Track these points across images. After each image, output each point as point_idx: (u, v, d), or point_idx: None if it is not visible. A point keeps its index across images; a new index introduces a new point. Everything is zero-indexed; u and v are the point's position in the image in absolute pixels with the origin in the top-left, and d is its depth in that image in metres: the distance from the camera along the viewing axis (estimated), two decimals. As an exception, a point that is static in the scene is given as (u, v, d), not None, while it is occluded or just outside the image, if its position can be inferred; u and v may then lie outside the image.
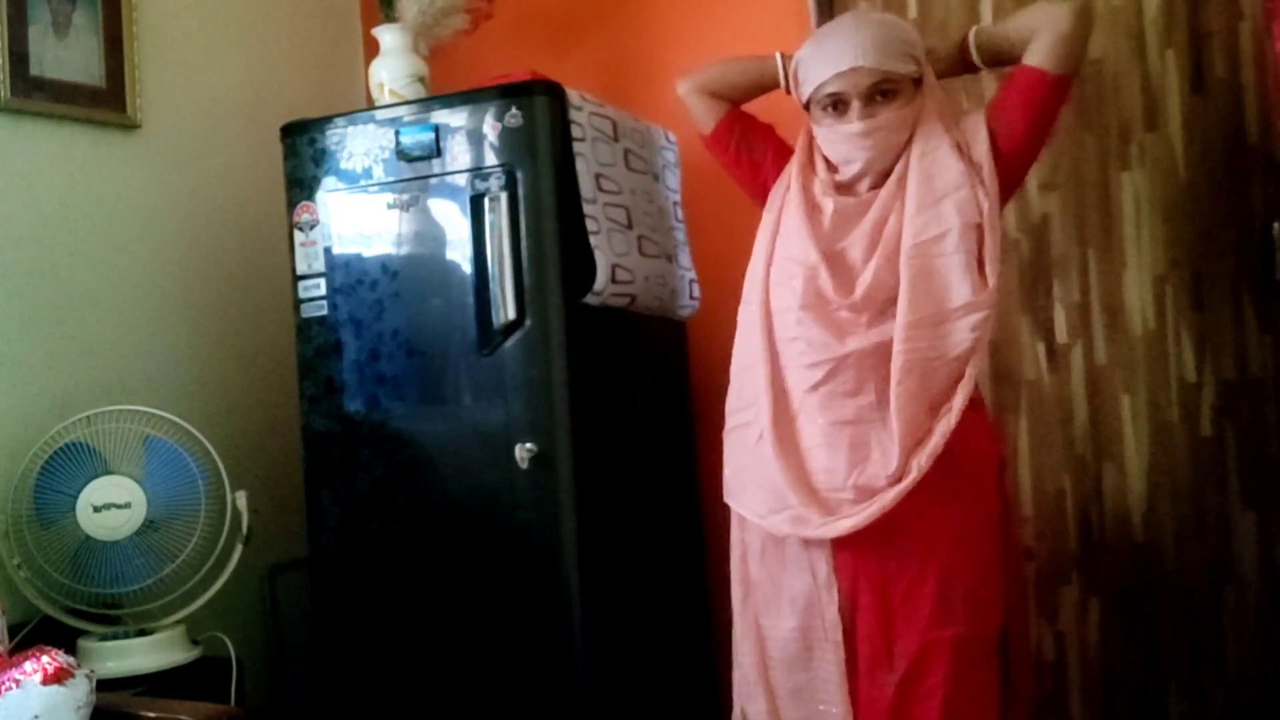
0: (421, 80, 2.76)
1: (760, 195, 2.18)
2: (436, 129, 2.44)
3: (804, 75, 2.02)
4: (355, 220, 2.53)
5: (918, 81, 2.00)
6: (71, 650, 2.18)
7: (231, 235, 2.95)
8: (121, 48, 2.70)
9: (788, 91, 2.13)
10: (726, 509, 2.12)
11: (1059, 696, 2.59)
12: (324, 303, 2.56)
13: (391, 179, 2.49)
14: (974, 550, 1.95)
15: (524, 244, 2.36)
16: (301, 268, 2.59)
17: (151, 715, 1.97)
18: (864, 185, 2.02)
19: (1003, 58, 2.05)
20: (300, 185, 2.60)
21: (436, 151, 2.44)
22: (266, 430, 2.91)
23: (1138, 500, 2.53)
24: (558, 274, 2.36)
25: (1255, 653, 2.43)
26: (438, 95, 2.63)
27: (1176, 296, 2.50)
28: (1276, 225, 2.38)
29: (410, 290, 2.48)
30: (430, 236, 2.46)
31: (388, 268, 2.50)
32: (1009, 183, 2.04)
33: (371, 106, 2.72)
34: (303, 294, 2.59)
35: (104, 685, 1.96)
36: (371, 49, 2.91)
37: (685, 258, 2.72)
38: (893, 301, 1.94)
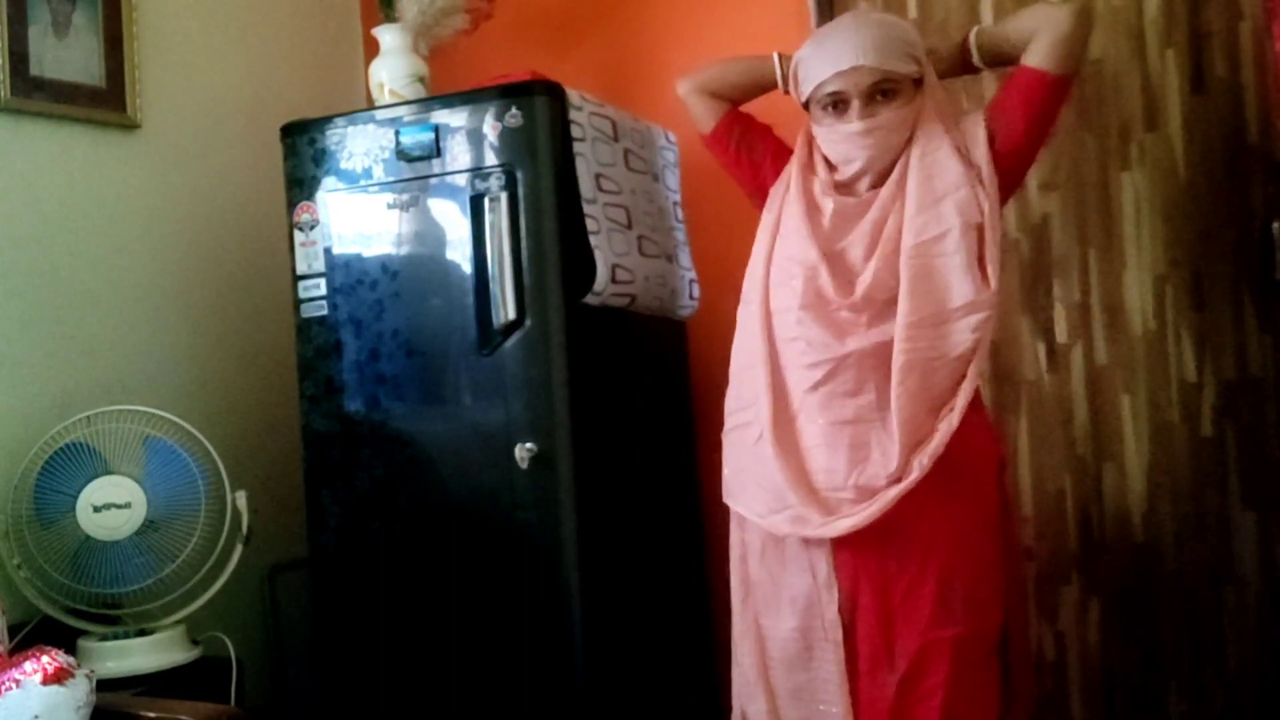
0: (421, 80, 2.76)
1: (759, 195, 2.18)
2: (436, 129, 2.44)
3: (804, 75, 2.02)
4: (355, 220, 2.53)
5: (918, 82, 2.00)
6: (71, 650, 2.18)
7: (231, 235, 2.95)
8: (121, 48, 2.70)
9: (786, 91, 2.13)
10: (727, 509, 2.12)
11: (1059, 696, 2.59)
12: (324, 303, 2.56)
13: (391, 179, 2.49)
14: (974, 550, 1.95)
15: (524, 244, 2.36)
16: (301, 268, 2.59)
17: (151, 715, 1.97)
18: (863, 185, 2.03)
19: (1003, 58, 2.05)
20: (300, 185, 2.60)
21: (436, 151, 2.44)
22: (266, 430, 2.91)
23: (1138, 500, 2.53)
24: (558, 274, 2.36)
25: (1255, 653, 2.43)
26: (438, 95, 2.63)
27: (1176, 296, 2.50)
28: (1276, 225, 2.38)
29: (410, 290, 2.48)
30: (430, 236, 2.46)
31: (388, 268, 2.50)
32: (1009, 182, 2.04)
33: (371, 106, 2.72)
34: (303, 294, 2.59)
35: (104, 685, 1.96)
36: (371, 49, 2.91)
37: (685, 258, 2.72)
38: (893, 301, 1.94)
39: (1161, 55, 2.50)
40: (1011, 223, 2.61)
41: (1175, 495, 2.50)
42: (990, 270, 1.93)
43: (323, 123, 2.58)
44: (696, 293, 2.72)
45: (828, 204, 2.03)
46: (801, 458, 1.98)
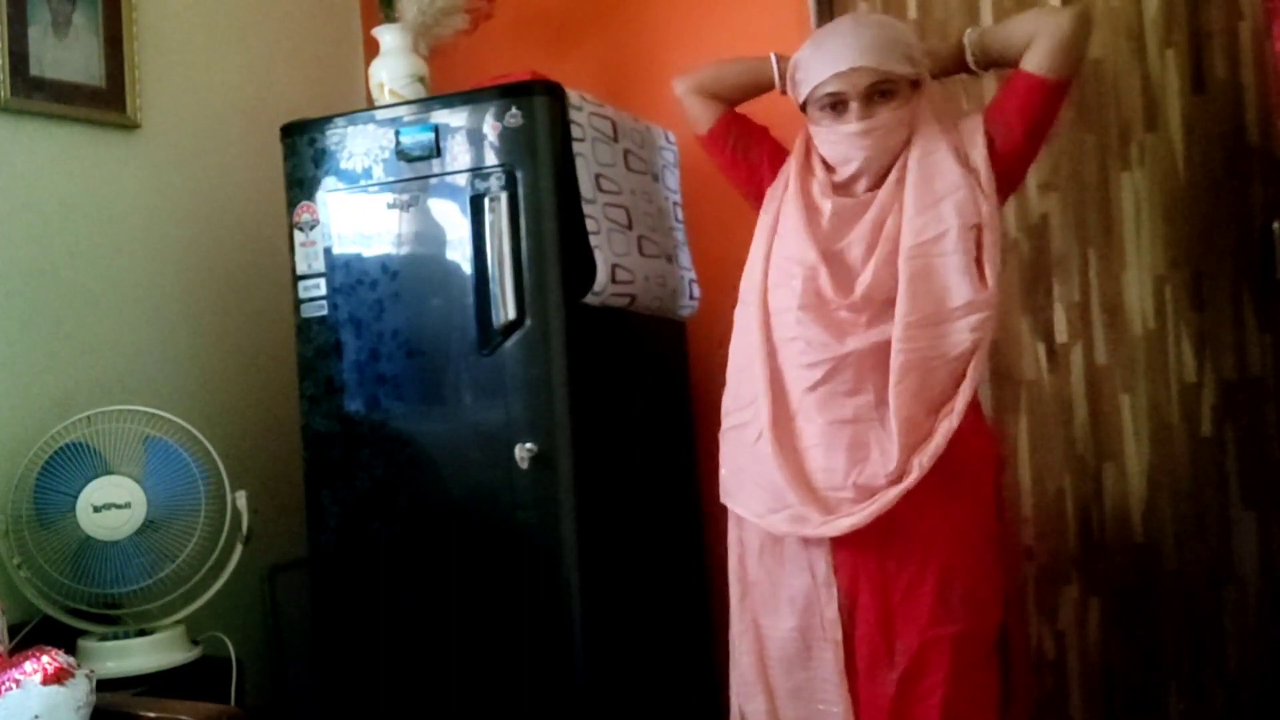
0: (421, 80, 2.76)
1: (756, 197, 2.19)
2: (436, 129, 2.44)
3: (802, 76, 2.02)
4: (355, 220, 2.53)
5: (915, 83, 2.00)
6: (71, 650, 2.18)
7: (231, 235, 2.95)
8: (121, 48, 2.70)
9: (783, 92, 2.14)
10: (726, 509, 2.13)
11: (1059, 696, 2.60)
12: (324, 303, 2.56)
13: (391, 179, 2.49)
14: (973, 549, 1.95)
15: (524, 244, 2.36)
16: (301, 268, 2.59)
17: (151, 715, 1.97)
18: (861, 186, 2.03)
19: (1000, 61, 2.06)
20: (300, 185, 2.60)
21: (436, 151, 2.44)
22: (266, 430, 2.91)
23: (1138, 500, 2.53)
24: (558, 274, 2.36)
25: (1255, 653, 2.44)
26: (438, 95, 2.63)
27: (1176, 296, 2.50)
28: (1276, 225, 2.38)
29: (410, 290, 2.48)
30: (430, 236, 2.46)
31: (388, 268, 2.50)
32: (1008, 183, 2.04)
33: (371, 106, 2.72)
34: (303, 294, 2.59)
35: (104, 685, 1.96)
36: (371, 49, 2.91)
37: (685, 258, 2.72)
38: (892, 302, 1.94)
39: (1161, 55, 2.50)
40: (1011, 223, 2.61)
41: (1175, 495, 2.50)
42: (989, 271, 1.93)
43: (323, 123, 2.58)
44: (696, 293, 2.72)
45: (826, 204, 2.03)
46: (800, 457, 1.98)
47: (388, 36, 2.78)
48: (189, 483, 2.44)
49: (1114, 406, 2.55)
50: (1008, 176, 2.03)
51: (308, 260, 2.59)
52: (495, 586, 2.40)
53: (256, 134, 2.93)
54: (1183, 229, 2.49)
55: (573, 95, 2.43)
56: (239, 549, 2.54)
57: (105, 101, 2.68)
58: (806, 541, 1.98)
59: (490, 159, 2.40)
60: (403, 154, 2.48)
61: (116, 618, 2.43)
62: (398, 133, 2.48)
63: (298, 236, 2.60)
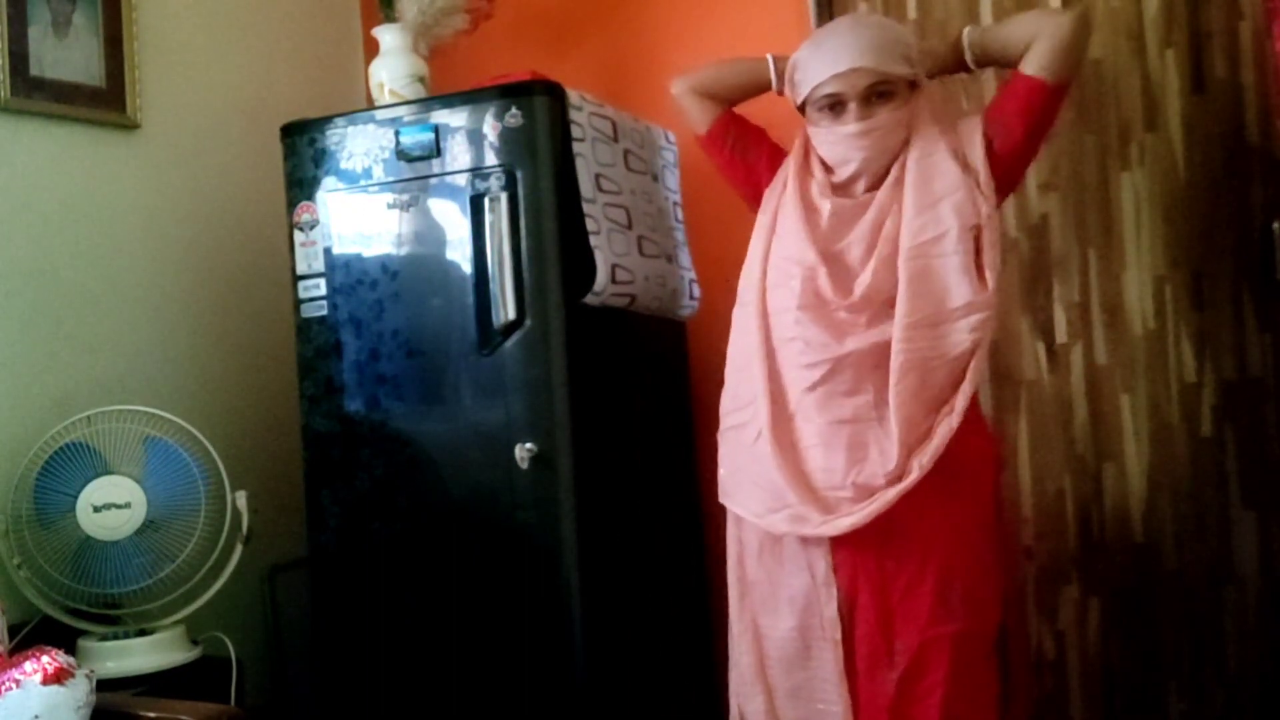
0: (421, 80, 2.76)
1: (754, 197, 2.19)
2: (436, 129, 2.44)
3: (801, 77, 2.02)
4: (355, 220, 2.53)
5: (913, 84, 2.00)
6: (71, 650, 2.18)
7: (231, 235, 2.95)
8: (121, 48, 2.70)
9: (780, 93, 2.14)
10: (726, 509, 2.13)
11: (1059, 696, 2.60)
12: (324, 303, 2.56)
13: (391, 179, 2.49)
14: (972, 548, 1.95)
15: (524, 244, 2.36)
16: (301, 268, 2.59)
17: (151, 715, 1.97)
18: (860, 186, 2.03)
19: (998, 61, 2.06)
20: (300, 185, 2.60)
21: (436, 151, 2.44)
22: (266, 430, 2.91)
23: (1138, 500, 2.53)
24: (558, 274, 2.36)
25: (1255, 653, 2.44)
26: (438, 95, 2.63)
27: (1176, 296, 2.50)
28: (1276, 225, 2.38)
29: (410, 290, 2.48)
30: (430, 236, 2.46)
31: (388, 268, 2.50)
32: (1007, 183, 2.04)
33: (371, 106, 2.72)
34: (303, 294, 2.59)
35: (104, 685, 1.96)
36: (371, 49, 2.91)
37: (685, 258, 2.72)
38: (891, 302, 1.94)
39: (1161, 55, 2.50)
40: (1011, 223, 2.61)
41: (1175, 495, 2.50)
42: (988, 272, 1.94)
43: (323, 123, 2.58)
44: (696, 293, 2.72)
45: (825, 205, 2.03)
46: (799, 457, 1.98)
47: (388, 36, 2.78)
48: (189, 483, 2.44)
49: (1114, 406, 2.55)
50: (1007, 177, 2.03)
51: (308, 260, 2.59)
52: (495, 586, 2.40)
53: (256, 134, 2.93)
54: (1183, 229, 2.49)
55: (573, 95, 2.43)
56: (239, 549, 2.54)
57: (105, 101, 2.68)
58: (806, 541, 1.98)
59: (490, 159, 2.40)
60: (403, 154, 2.48)
61: (116, 618, 2.43)
62: (398, 133, 2.48)
63: (298, 236, 2.60)
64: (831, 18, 2.63)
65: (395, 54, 2.76)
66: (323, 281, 2.57)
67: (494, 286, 2.37)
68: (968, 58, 2.06)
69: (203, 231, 2.89)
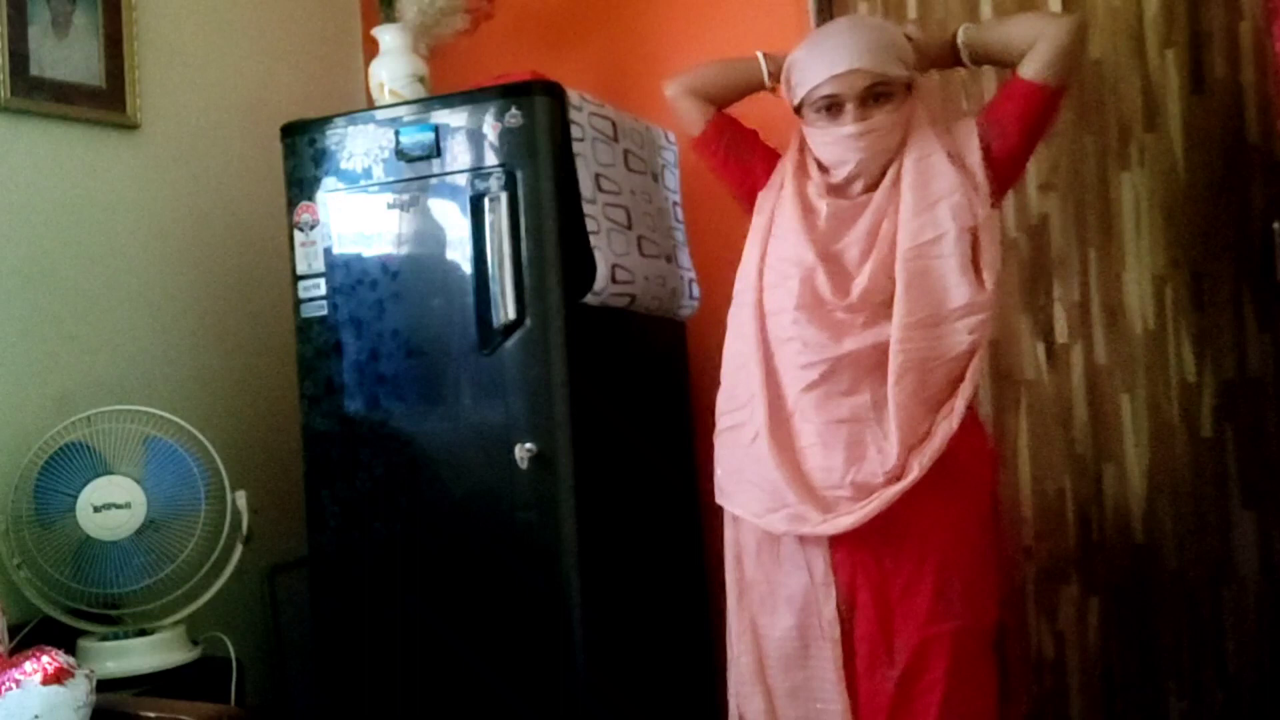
0: (421, 80, 2.76)
1: (748, 199, 2.19)
2: (436, 129, 2.44)
3: (798, 78, 2.02)
4: (355, 220, 2.53)
5: (909, 86, 2.00)
6: (71, 650, 2.18)
7: (231, 235, 2.95)
8: (121, 48, 2.70)
9: (772, 90, 2.14)
10: (724, 509, 2.13)
11: (1059, 696, 2.60)
12: (324, 303, 2.56)
13: (391, 179, 2.49)
14: (971, 546, 1.96)
15: (524, 244, 2.36)
16: (301, 268, 2.59)
17: (151, 715, 1.97)
18: (857, 188, 2.03)
19: (994, 60, 2.07)
20: (300, 185, 2.60)
21: (436, 151, 2.44)
22: (266, 430, 2.91)
23: (1138, 500, 2.53)
24: (558, 274, 2.36)
25: (1255, 653, 2.44)
26: (438, 95, 2.63)
27: (1176, 296, 2.50)
28: (1277, 225, 2.38)
29: (410, 290, 2.48)
30: (430, 236, 2.46)
31: (388, 268, 2.50)
32: (1003, 184, 2.05)
33: (371, 106, 2.72)
34: (303, 294, 2.59)
35: (104, 685, 1.96)
36: (371, 49, 2.91)
37: (685, 258, 2.72)
38: (889, 303, 1.95)
39: (1161, 55, 2.50)
40: (1011, 223, 2.61)
41: (1175, 495, 2.50)
42: (986, 273, 1.94)
43: (323, 123, 2.58)
44: (696, 293, 2.72)
45: (823, 206, 2.03)
46: (798, 456, 1.98)
47: (388, 36, 2.78)
48: (189, 483, 2.44)
49: (1114, 406, 2.55)
50: (1003, 178, 2.03)
51: (308, 260, 2.59)
52: (495, 586, 2.40)
53: (256, 134, 2.93)
54: (1183, 229, 2.49)
55: (573, 95, 2.43)
56: (239, 549, 2.54)
57: (105, 101, 2.68)
58: (804, 540, 1.99)
59: (490, 159, 2.40)
60: (403, 154, 2.48)
61: (116, 618, 2.43)
62: (398, 133, 2.48)
63: (298, 236, 2.60)
64: (831, 18, 2.63)
65: (395, 54, 2.76)
66: (323, 281, 2.57)
67: (494, 286, 2.37)
68: (963, 56, 2.06)
69: (203, 231, 2.89)
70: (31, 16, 2.53)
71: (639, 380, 2.65)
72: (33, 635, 2.26)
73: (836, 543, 1.96)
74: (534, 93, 2.39)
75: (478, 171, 2.40)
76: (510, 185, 2.37)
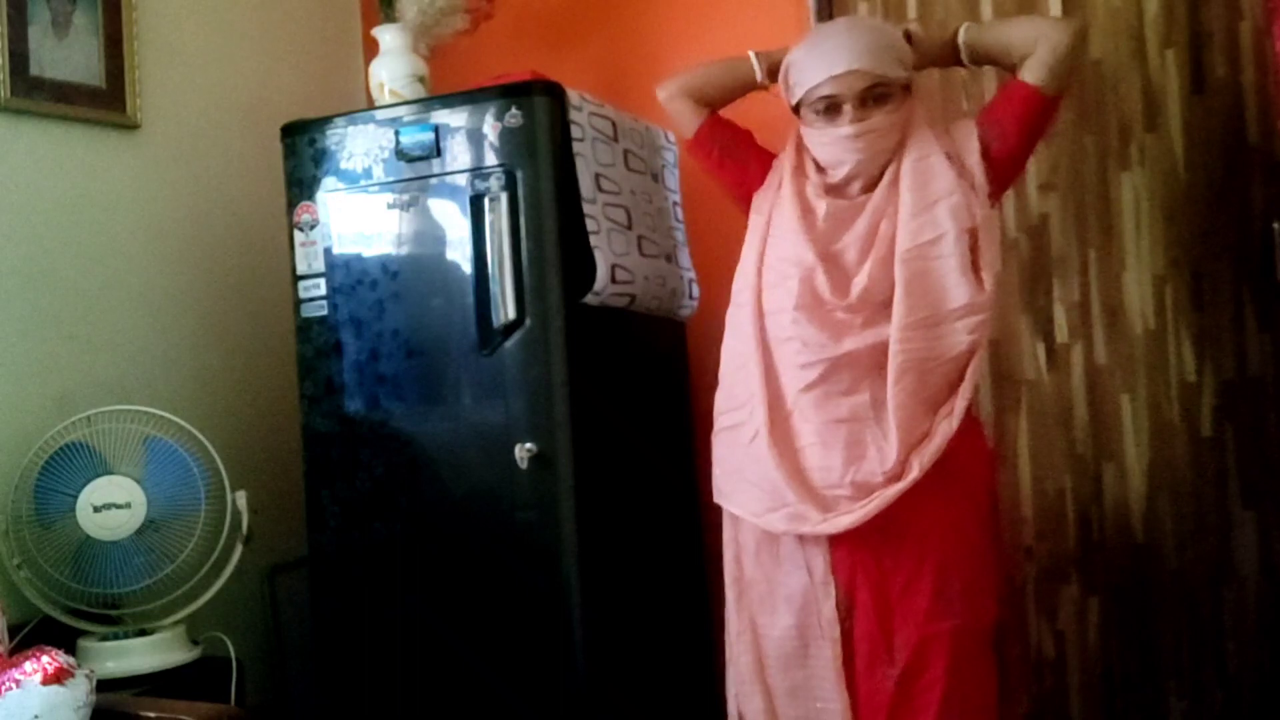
0: (421, 80, 2.76)
1: (744, 200, 2.19)
2: (436, 129, 2.44)
3: (796, 78, 2.02)
4: (355, 220, 2.53)
5: (906, 87, 2.01)
6: (71, 650, 2.18)
7: (231, 235, 2.95)
8: (121, 48, 2.70)
9: (765, 88, 2.14)
10: (723, 508, 2.13)
11: (1059, 696, 2.60)
12: (324, 303, 2.56)
13: (391, 179, 2.49)
14: (969, 543, 1.97)
15: (524, 244, 2.36)
16: (301, 268, 2.59)
17: (151, 715, 1.97)
18: (855, 188, 2.04)
19: (993, 61, 2.07)
20: (300, 185, 2.60)
21: (436, 151, 2.44)
22: (266, 430, 2.91)
23: (1138, 500, 2.53)
24: (558, 274, 2.36)
25: (1255, 653, 2.44)
26: (438, 95, 2.63)
27: (1176, 296, 2.50)
28: (1276, 225, 2.38)
29: (410, 290, 2.48)
30: (430, 236, 2.46)
31: (388, 268, 2.50)
32: (1001, 185, 2.06)
33: (371, 106, 2.72)
34: (303, 294, 2.59)
35: (104, 685, 1.96)
36: (371, 49, 2.91)
37: (685, 258, 2.72)
38: (887, 303, 1.95)
39: (1161, 55, 2.50)
40: (1011, 223, 2.61)
41: (1175, 495, 2.50)
42: (985, 274, 1.94)
43: (323, 123, 2.58)
44: (696, 293, 2.72)
45: (821, 206, 2.04)
46: (798, 455, 1.99)
47: (388, 36, 2.78)
48: (189, 483, 2.44)
49: (1114, 406, 2.55)
50: (1002, 179, 2.04)
51: (308, 260, 2.59)
52: (495, 586, 2.40)
53: (256, 134, 2.93)
54: (1183, 229, 2.49)
55: (573, 95, 2.43)
56: (239, 549, 2.54)
57: (105, 101, 2.68)
58: (803, 540, 1.99)
59: (490, 159, 2.40)
60: (403, 154, 2.48)
61: (116, 618, 2.43)
62: (398, 133, 2.48)
63: (298, 236, 2.60)
64: (831, 18, 2.63)
65: (395, 54, 2.76)
66: (323, 281, 2.57)
67: (494, 286, 2.37)
68: (963, 55, 2.06)
69: (203, 231, 2.89)
70: (31, 16, 2.53)
71: (639, 380, 2.65)
72: (33, 635, 2.26)
73: (836, 542, 1.97)
74: (534, 93, 2.39)
75: (478, 171, 2.40)
76: (510, 185, 2.37)
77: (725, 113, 2.23)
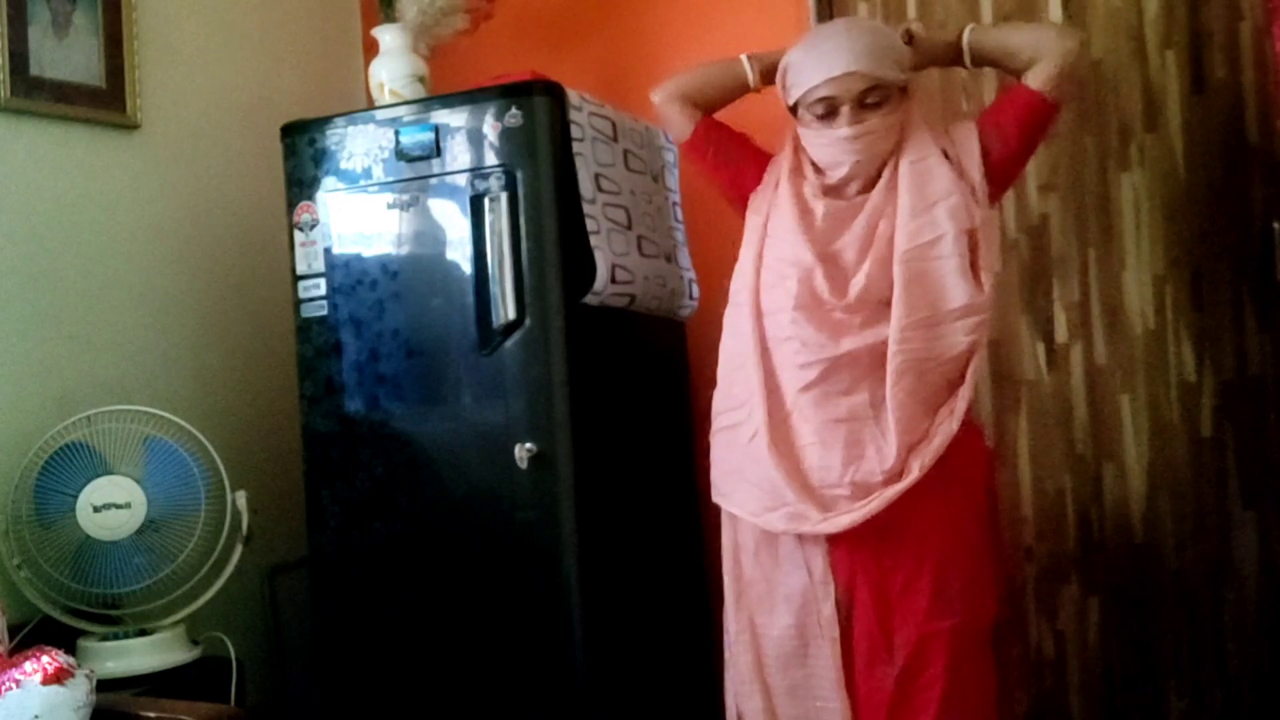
0: (421, 80, 2.76)
1: (740, 201, 2.19)
2: (436, 129, 2.44)
3: (794, 79, 2.02)
4: (355, 220, 2.53)
5: (904, 89, 2.01)
6: (71, 650, 2.18)
7: (231, 235, 2.95)
8: (121, 48, 2.70)
9: (758, 90, 2.14)
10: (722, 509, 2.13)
11: (1059, 695, 2.60)
12: (324, 303, 2.56)
13: (391, 179, 2.49)
14: (968, 543, 1.97)
15: (524, 244, 2.36)
16: (301, 268, 2.59)
17: (151, 715, 1.97)
18: (853, 189, 2.04)
19: (997, 65, 2.07)
20: (300, 185, 2.60)
21: (436, 151, 2.44)
22: (266, 430, 2.91)
23: (1138, 500, 2.53)
24: (558, 274, 2.36)
25: (1255, 653, 2.44)
26: (438, 95, 2.63)
27: (1176, 296, 2.50)
28: (1276, 225, 2.38)
29: (410, 290, 2.48)
30: (430, 236, 2.46)
31: (388, 268, 2.50)
32: (1000, 187, 2.07)
33: (371, 106, 2.72)
34: (303, 294, 2.59)
35: (104, 685, 1.96)
36: (371, 49, 2.91)
37: (684, 258, 2.72)
38: (886, 303, 1.95)
39: (1161, 56, 2.50)
40: (1011, 223, 2.61)
41: (1175, 495, 2.50)
42: (984, 275, 1.95)
43: (323, 123, 2.58)
44: (696, 293, 2.72)
45: (819, 206, 2.04)
46: (797, 455, 1.99)
47: (388, 36, 2.78)
48: (189, 483, 2.44)
49: (1114, 406, 2.55)
50: (1001, 181, 2.06)
51: (308, 260, 2.59)
52: (495, 586, 2.40)
53: (256, 134, 2.93)
54: (1183, 229, 2.49)
55: (573, 95, 2.43)
56: (239, 549, 2.54)
57: (105, 101, 2.68)
58: (802, 539, 1.99)
59: (490, 159, 2.40)
60: (403, 154, 2.48)
61: (116, 618, 2.43)
62: (398, 133, 2.48)
63: (298, 236, 2.60)
64: (831, 18, 2.63)
65: (395, 54, 2.76)
66: (323, 281, 2.57)
67: (494, 286, 2.37)
68: (966, 58, 2.06)
69: (203, 231, 2.89)
70: (31, 16, 2.53)
71: (639, 380, 2.65)
72: (33, 635, 2.26)
73: (835, 541, 1.97)
74: (534, 93, 2.39)
75: (478, 171, 2.40)
76: (510, 185, 2.37)
77: (721, 114, 2.23)
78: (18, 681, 1.77)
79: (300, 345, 2.60)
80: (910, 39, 2.06)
